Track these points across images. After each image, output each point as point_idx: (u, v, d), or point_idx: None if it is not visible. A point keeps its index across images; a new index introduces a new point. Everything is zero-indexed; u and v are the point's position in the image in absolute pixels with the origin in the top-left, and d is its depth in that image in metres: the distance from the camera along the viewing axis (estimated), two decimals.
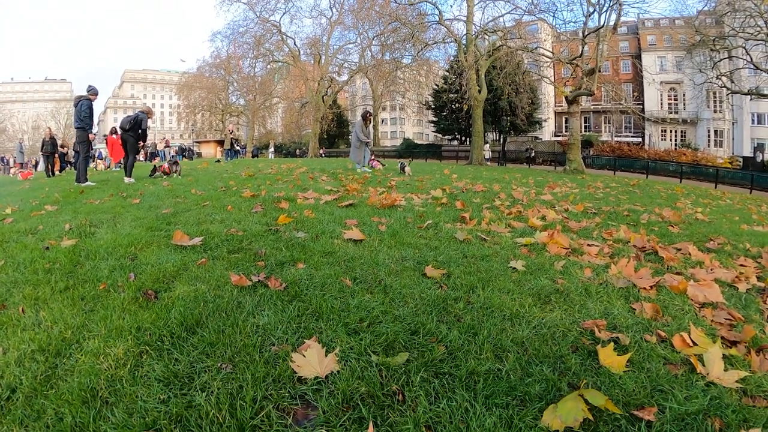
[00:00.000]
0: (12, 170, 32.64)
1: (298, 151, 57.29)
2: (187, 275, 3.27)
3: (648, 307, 2.81)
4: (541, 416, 1.75)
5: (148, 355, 2.20)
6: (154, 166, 13.57)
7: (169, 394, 1.91)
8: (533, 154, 40.80)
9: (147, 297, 2.88)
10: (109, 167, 22.88)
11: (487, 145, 42.07)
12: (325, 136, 57.58)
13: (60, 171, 20.49)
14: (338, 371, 2.02)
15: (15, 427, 1.80)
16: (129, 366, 2.12)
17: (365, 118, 15.15)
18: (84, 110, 11.00)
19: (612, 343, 2.24)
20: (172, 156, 17.38)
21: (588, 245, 4.49)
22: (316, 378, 1.97)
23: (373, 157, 16.47)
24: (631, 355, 2.17)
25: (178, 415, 1.78)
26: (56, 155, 20.27)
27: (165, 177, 11.79)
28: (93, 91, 11.45)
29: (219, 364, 2.10)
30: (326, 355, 2.09)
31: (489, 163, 37.89)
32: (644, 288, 3.21)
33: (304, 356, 2.06)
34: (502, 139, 49.47)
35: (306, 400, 1.88)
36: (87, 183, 10.78)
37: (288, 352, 2.16)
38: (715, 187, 25.96)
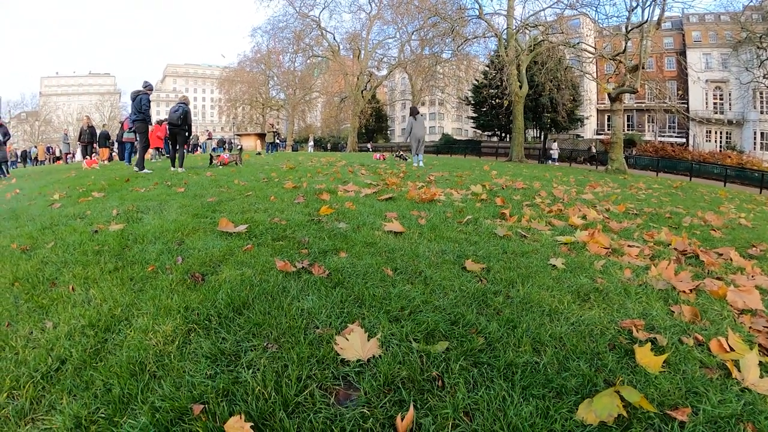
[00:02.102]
0: (59, 161, 33.72)
1: (334, 144, 57.80)
2: (233, 260, 3.38)
3: (687, 310, 2.78)
4: (577, 409, 1.77)
5: (195, 333, 2.30)
6: (211, 156, 14.31)
7: (216, 370, 1.99)
8: (595, 153, 39.88)
9: (194, 279, 3.00)
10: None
11: (555, 144, 41.27)
12: (364, 131, 57.82)
13: (109, 160, 20.69)
14: (380, 355, 2.07)
15: (64, 396, 1.90)
16: (177, 343, 2.22)
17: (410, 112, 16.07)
18: (144, 104, 11.65)
19: (649, 344, 2.23)
20: (239, 147, 17.53)
21: (628, 246, 4.43)
22: (358, 361, 2.03)
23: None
24: (668, 356, 2.16)
25: (224, 389, 1.86)
26: (94, 144, 20.12)
27: (224, 167, 12.42)
28: (149, 87, 12.05)
29: (265, 344, 2.18)
30: (368, 340, 2.14)
31: (556, 163, 37.17)
32: (684, 291, 3.16)
33: (347, 339, 2.12)
34: (542, 136, 48.75)
35: (348, 381, 1.93)
36: (144, 170, 11.33)
37: (332, 335, 2.22)
38: (760, 192, 24.91)
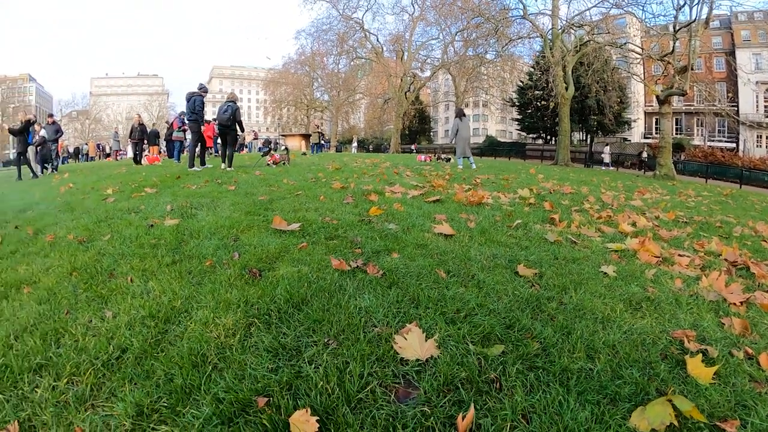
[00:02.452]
0: (109, 158, 34.88)
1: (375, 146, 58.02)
2: (288, 257, 3.47)
3: (737, 323, 2.73)
4: (630, 416, 1.77)
5: (256, 327, 2.37)
6: (266, 153, 14.87)
7: (278, 364, 2.06)
8: (646, 158, 38.57)
9: (252, 275, 3.09)
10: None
11: (607, 148, 39.64)
12: (407, 132, 57.85)
13: (169, 157, 21.07)
14: (438, 356, 2.10)
15: (125, 384, 1.98)
16: (238, 336, 2.29)
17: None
18: (198, 105, 12.05)
19: (700, 355, 2.21)
20: (284, 148, 17.72)
21: (679, 255, 4.36)
22: (417, 360, 2.07)
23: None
24: (718, 369, 2.14)
25: (288, 383, 1.92)
26: (145, 141, 20.17)
27: (275, 165, 12.76)
28: (203, 89, 12.53)
29: (325, 340, 2.23)
30: (426, 340, 2.17)
31: (609, 168, 36.17)
32: (734, 303, 3.11)
33: (405, 339, 2.16)
34: (589, 140, 47.77)
35: (408, 380, 1.97)
36: (194, 168, 11.72)
37: (390, 334, 2.27)
38: None
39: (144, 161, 17.49)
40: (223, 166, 11.70)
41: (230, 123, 11.69)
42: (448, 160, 19.25)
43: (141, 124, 19.41)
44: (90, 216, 5.35)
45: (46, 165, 16.33)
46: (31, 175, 15.28)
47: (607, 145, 41.08)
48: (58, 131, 16.70)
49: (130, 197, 6.73)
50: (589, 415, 1.76)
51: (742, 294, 3.26)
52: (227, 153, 12.01)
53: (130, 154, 19.81)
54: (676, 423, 1.72)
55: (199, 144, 12.59)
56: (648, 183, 17.15)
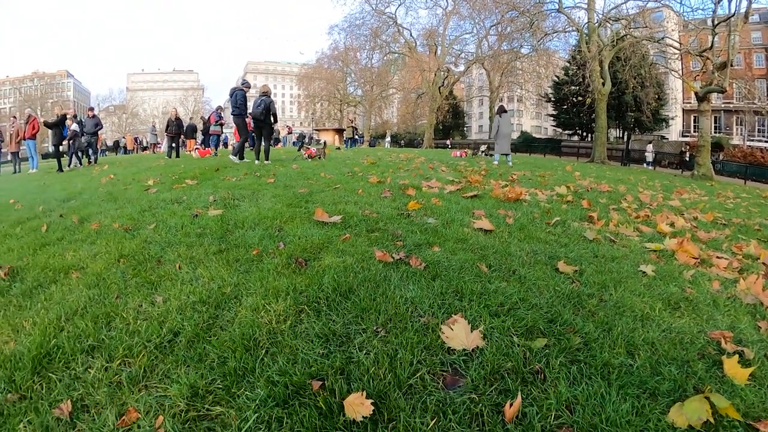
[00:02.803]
0: (147, 150, 35.62)
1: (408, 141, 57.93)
2: (332, 248, 3.56)
3: None
4: (668, 411, 1.82)
5: (306, 314, 2.47)
6: (300, 149, 14.88)
7: (329, 349, 2.15)
8: (688, 157, 36.86)
9: (298, 264, 3.19)
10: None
11: (650, 146, 38.23)
12: (440, 127, 57.61)
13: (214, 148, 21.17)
14: (484, 347, 2.17)
15: (179, 366, 2.08)
16: (289, 322, 2.39)
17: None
18: (239, 99, 12.18)
19: (737, 356, 2.23)
20: (323, 142, 17.53)
21: (717, 257, 4.32)
22: (463, 350, 2.14)
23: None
24: (754, 370, 2.15)
25: (340, 367, 2.01)
26: (182, 135, 20.13)
27: (311, 159, 12.90)
28: (246, 84, 12.76)
29: (374, 328, 2.32)
30: (472, 331, 2.24)
31: (650, 167, 34.88)
32: None
33: (452, 329, 2.24)
34: (626, 137, 46.80)
35: (455, 369, 2.05)
36: (235, 159, 11.93)
37: (436, 324, 2.34)
38: None
39: (195, 154, 17.69)
40: (257, 162, 11.76)
41: (264, 117, 11.77)
42: (490, 155, 19.45)
43: (177, 118, 19.23)
44: (133, 206, 5.52)
45: (80, 156, 16.65)
46: (68, 163, 15.84)
47: (650, 143, 39.75)
48: (98, 124, 16.94)
49: (172, 188, 6.91)
50: (630, 408, 1.81)
51: None
52: (264, 147, 12.11)
53: (164, 147, 19.35)
54: (712, 420, 1.76)
55: (240, 137, 12.72)
56: (686, 183, 16.78)
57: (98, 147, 17.92)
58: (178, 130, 19.07)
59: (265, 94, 11.89)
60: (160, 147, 32.03)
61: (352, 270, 3.04)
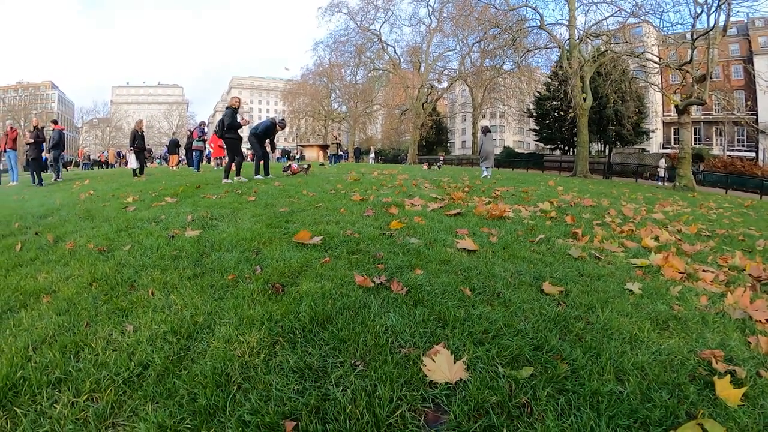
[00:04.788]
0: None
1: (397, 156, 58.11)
2: (311, 272, 3.45)
3: (763, 341, 2.68)
4: None
5: (281, 346, 2.34)
6: (288, 165, 14.91)
7: (304, 385, 2.03)
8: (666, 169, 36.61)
9: (275, 290, 3.07)
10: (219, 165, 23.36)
11: (663, 161, 37.37)
12: (424, 143, 57.86)
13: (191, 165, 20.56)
14: (468, 379, 2.06)
15: (147, 403, 1.95)
16: (263, 355, 2.27)
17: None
18: (222, 119, 11.68)
19: (728, 376, 2.19)
20: (306, 165, 17.11)
21: (703, 271, 4.30)
22: (446, 383, 2.03)
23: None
24: (746, 390, 2.10)
25: (315, 406, 1.89)
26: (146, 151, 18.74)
27: (293, 175, 12.92)
28: (281, 123, 13.14)
29: (352, 361, 2.20)
30: (455, 362, 2.14)
31: (664, 183, 33.61)
32: (760, 321, 3.06)
33: (434, 361, 2.13)
34: (607, 150, 47.36)
35: (437, 404, 1.93)
36: (226, 180, 11.33)
37: (418, 355, 2.23)
38: None
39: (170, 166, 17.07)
40: (225, 180, 11.14)
41: (221, 132, 11.42)
42: (440, 167, 25.96)
43: (142, 131, 17.44)
44: (110, 225, 5.38)
45: (59, 168, 16.12)
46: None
47: (662, 158, 39.18)
48: (50, 139, 15.86)
49: (150, 206, 6.77)
50: None
51: (767, 311, 3.20)
52: (235, 163, 11.59)
53: (132, 163, 17.09)
54: None
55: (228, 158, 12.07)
56: (668, 195, 16.92)
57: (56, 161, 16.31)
58: (142, 145, 17.41)
59: (229, 106, 11.57)
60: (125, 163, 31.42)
61: (330, 296, 2.92)
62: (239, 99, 12.40)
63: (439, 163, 30.84)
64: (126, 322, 2.71)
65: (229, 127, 11.47)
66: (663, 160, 37.99)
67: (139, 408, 1.93)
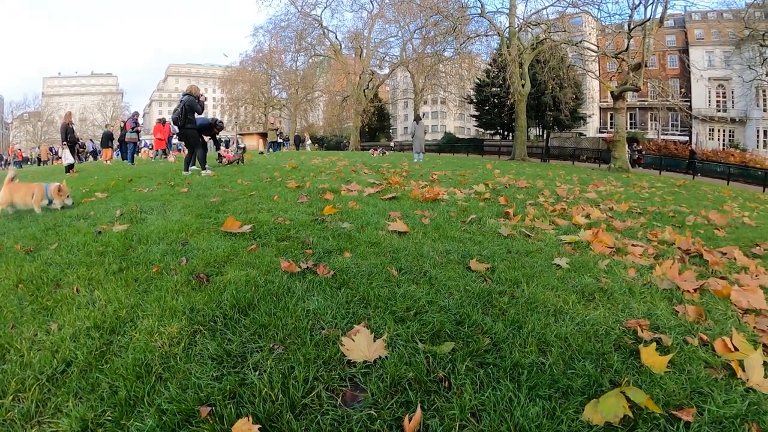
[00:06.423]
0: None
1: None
2: (237, 260, 3.38)
3: (691, 310, 2.78)
4: (583, 410, 1.77)
5: (201, 335, 2.30)
6: (219, 154, 14.36)
7: (222, 372, 2.00)
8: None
9: (199, 280, 3.00)
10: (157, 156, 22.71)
11: (636, 144, 37.02)
12: (366, 129, 57.70)
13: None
14: (386, 356, 2.07)
15: (70, 399, 1.90)
16: (183, 344, 2.22)
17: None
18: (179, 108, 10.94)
19: (654, 344, 2.24)
20: (242, 146, 16.34)
21: (632, 245, 4.44)
22: (364, 362, 2.03)
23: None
24: (673, 357, 2.16)
25: (231, 391, 1.87)
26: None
27: (229, 164, 12.62)
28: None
29: (271, 345, 2.18)
30: (375, 341, 2.14)
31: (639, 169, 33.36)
32: (688, 291, 3.17)
33: (353, 340, 2.13)
34: (545, 135, 48.58)
35: (355, 383, 1.94)
36: (188, 170, 11.06)
37: (338, 336, 2.23)
38: (764, 191, 24.73)
39: (171, 158, 16.37)
40: (185, 172, 10.78)
41: (182, 121, 10.59)
42: (384, 153, 27.05)
43: (71, 125, 16.45)
44: (38, 224, 5.13)
45: None
46: None
47: (635, 141, 39.09)
48: None
49: (80, 203, 6.50)
50: (540, 411, 1.76)
51: (695, 281, 3.34)
52: (196, 155, 11.02)
53: (66, 159, 15.79)
54: (630, 414, 1.73)
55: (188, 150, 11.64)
56: (603, 176, 17.52)
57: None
58: (74, 139, 16.79)
59: (188, 93, 10.78)
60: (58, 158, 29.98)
61: (254, 283, 2.88)
62: (197, 87, 11.66)
63: (381, 149, 31.41)
64: (51, 320, 2.63)
65: (191, 117, 10.75)
66: (636, 143, 38.29)
67: (63, 404, 1.89)
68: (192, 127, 10.86)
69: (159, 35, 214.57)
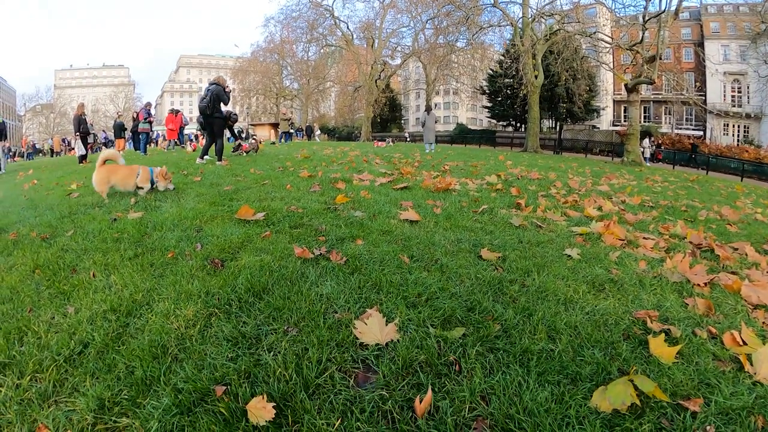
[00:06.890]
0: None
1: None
2: (251, 247, 3.43)
3: (701, 303, 2.78)
4: (591, 396, 1.79)
5: (216, 317, 2.35)
6: (239, 144, 14.28)
7: (237, 353, 2.05)
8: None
9: (214, 265, 3.05)
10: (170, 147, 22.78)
11: (647, 141, 35.42)
12: (378, 120, 57.56)
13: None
14: (398, 340, 2.11)
15: (87, 379, 1.96)
16: (199, 326, 2.27)
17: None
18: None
19: (663, 335, 2.25)
20: (254, 136, 16.31)
21: (644, 238, 4.43)
22: (377, 345, 2.07)
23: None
24: (681, 348, 2.17)
25: (246, 371, 1.91)
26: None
27: (246, 154, 12.61)
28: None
29: (285, 327, 2.22)
30: (387, 324, 2.18)
31: (649, 164, 31.57)
32: (698, 284, 3.17)
33: (365, 324, 2.17)
34: (558, 127, 48.20)
35: (367, 365, 1.98)
36: (202, 160, 10.94)
37: (350, 319, 2.27)
38: None
39: (189, 148, 16.55)
40: (199, 161, 10.70)
41: (210, 111, 10.57)
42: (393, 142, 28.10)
43: (84, 116, 16.20)
44: (53, 212, 5.21)
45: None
46: None
47: (648, 136, 37.19)
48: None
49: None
50: (549, 395, 1.79)
51: (706, 275, 3.32)
52: (216, 146, 10.92)
53: (78, 150, 15.61)
54: (638, 402, 1.75)
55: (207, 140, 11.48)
56: (615, 169, 17.39)
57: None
58: (87, 130, 16.48)
59: (215, 83, 10.78)
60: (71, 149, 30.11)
61: (268, 268, 2.92)
62: (224, 78, 11.60)
63: (388, 140, 32.33)
64: (68, 304, 2.68)
65: (218, 106, 10.76)
66: (647, 141, 36.48)
67: (80, 384, 1.93)
68: (219, 116, 10.90)
69: (159, 35, 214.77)
